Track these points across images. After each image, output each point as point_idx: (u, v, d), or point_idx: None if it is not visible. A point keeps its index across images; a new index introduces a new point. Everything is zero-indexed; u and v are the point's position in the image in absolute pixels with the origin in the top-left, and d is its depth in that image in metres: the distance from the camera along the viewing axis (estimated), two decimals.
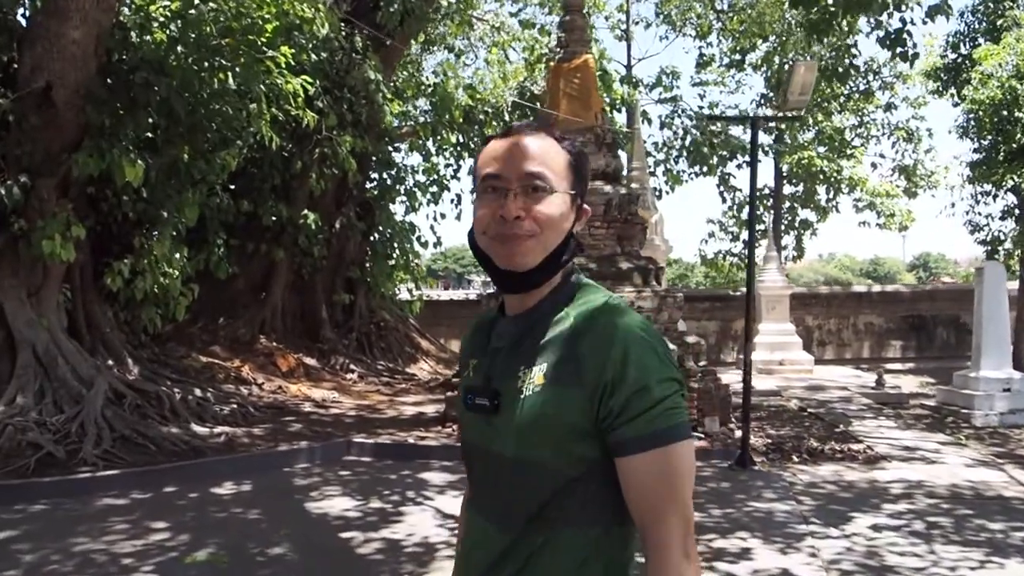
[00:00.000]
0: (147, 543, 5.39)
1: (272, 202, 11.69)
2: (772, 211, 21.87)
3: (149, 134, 8.82)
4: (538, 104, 16.07)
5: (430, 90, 14.07)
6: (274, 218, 11.76)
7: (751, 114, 17.14)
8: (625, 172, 12.89)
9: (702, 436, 8.25)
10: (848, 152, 21.11)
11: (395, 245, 13.55)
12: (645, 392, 1.17)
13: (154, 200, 9.16)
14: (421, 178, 14.49)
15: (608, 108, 15.62)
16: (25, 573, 4.84)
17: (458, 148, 14.49)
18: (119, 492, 6.64)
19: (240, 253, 11.74)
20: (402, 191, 13.90)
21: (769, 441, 8.53)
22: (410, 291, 14.54)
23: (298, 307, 12.83)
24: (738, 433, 8.68)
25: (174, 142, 9.12)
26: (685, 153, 17.47)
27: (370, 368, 12.59)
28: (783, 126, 19.04)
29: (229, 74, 8.65)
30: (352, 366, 12.30)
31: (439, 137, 12.79)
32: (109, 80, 8.47)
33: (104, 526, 5.76)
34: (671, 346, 8.62)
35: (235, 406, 9.13)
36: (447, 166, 15.14)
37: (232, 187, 11.20)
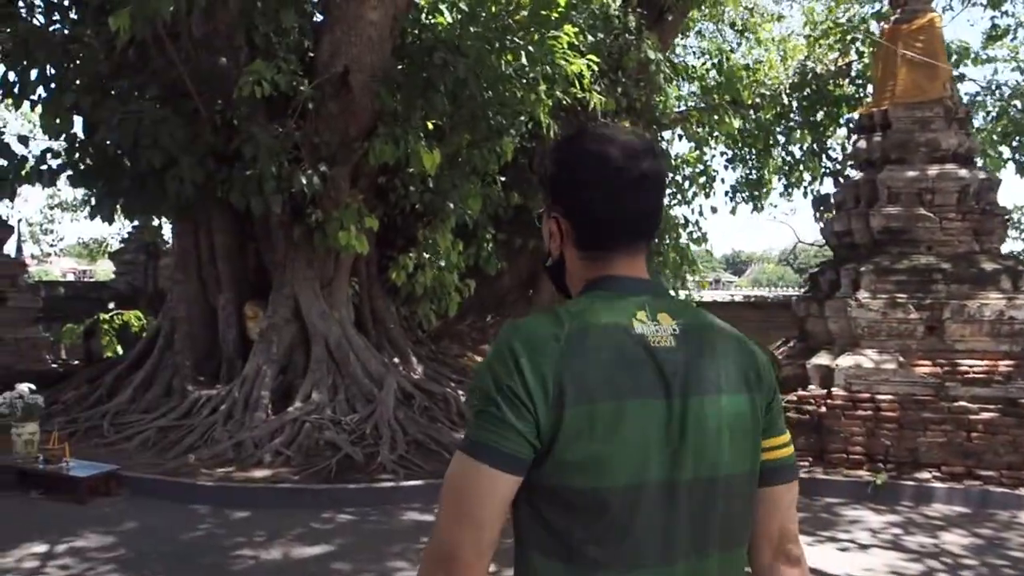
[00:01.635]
0: None
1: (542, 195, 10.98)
2: None
3: (435, 121, 8.37)
4: (816, 85, 14.31)
5: (710, 70, 12.75)
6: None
7: None
8: None
9: None
10: None
11: (665, 241, 12.40)
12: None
13: (439, 190, 8.71)
14: (688, 168, 13.26)
15: None
16: None
17: (739, 134, 13.08)
18: (422, 506, 6.10)
19: (508, 248, 11.15)
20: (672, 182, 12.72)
21: None
22: (675, 288, 13.30)
23: None
24: None
25: (459, 129, 8.64)
26: (1003, 134, 14.81)
27: None
28: None
29: (523, 54, 7.98)
30: None
31: (725, 121, 11.47)
32: (402, 63, 8.10)
33: (419, 548, 5.16)
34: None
35: None
36: (722, 154, 13.80)
37: (503, 178, 10.64)
